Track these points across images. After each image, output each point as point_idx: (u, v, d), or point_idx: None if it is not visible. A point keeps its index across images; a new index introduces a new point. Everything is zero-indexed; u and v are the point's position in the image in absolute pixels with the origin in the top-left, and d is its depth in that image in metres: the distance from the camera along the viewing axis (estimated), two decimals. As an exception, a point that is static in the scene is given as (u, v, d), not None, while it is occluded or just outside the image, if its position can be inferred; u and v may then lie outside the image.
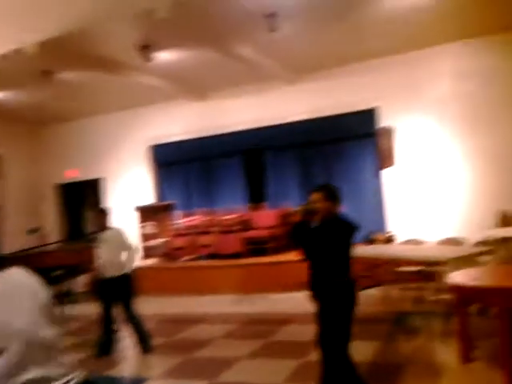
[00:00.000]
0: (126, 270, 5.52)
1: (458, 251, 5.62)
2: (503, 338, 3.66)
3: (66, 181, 12.16)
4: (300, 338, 5.57)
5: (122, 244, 5.61)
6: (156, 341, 6.11)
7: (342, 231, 3.50)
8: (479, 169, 8.50)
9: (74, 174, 11.97)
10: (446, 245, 6.36)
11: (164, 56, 7.74)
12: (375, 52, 8.66)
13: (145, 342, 5.53)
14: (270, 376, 4.56)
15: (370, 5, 6.59)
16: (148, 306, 8.06)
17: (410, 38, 8.11)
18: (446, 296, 4.94)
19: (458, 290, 4.05)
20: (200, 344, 5.71)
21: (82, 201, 13.20)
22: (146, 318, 7.32)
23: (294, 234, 3.53)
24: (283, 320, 6.42)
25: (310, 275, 3.55)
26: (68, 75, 8.31)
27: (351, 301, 3.48)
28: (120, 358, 5.69)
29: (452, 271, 4.92)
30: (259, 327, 6.37)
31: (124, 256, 5.56)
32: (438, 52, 8.61)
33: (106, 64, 7.96)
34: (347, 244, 3.52)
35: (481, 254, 5.45)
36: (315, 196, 3.52)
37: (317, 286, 3.52)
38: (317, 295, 3.53)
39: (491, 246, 5.81)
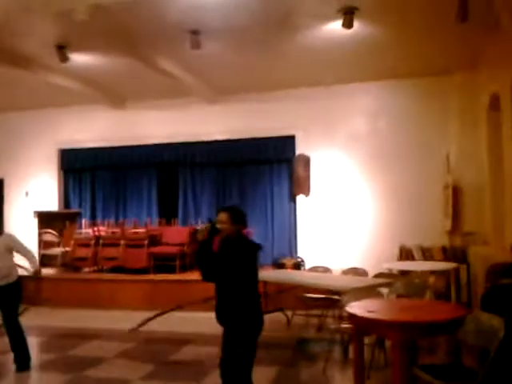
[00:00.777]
0: (13, 278, 5.11)
1: (359, 282, 5.78)
2: (396, 370, 3.74)
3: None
4: (198, 359, 5.42)
5: (10, 250, 5.20)
6: (44, 356, 5.76)
7: (245, 250, 3.41)
8: (383, 204, 8.90)
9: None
10: (350, 274, 6.51)
11: (82, 58, 7.40)
12: (296, 81, 8.85)
13: (22, 359, 5.10)
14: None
15: (295, 35, 6.70)
16: (42, 318, 7.63)
17: (332, 73, 8.38)
18: (346, 325, 5.03)
19: (355, 320, 4.11)
20: (91, 362, 5.38)
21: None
22: (38, 331, 6.95)
23: (198, 253, 3.42)
24: (183, 340, 6.24)
25: (216, 298, 3.45)
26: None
27: (256, 326, 3.41)
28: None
29: (352, 301, 5.05)
30: (157, 346, 6.13)
31: (21, 262, 5.15)
32: (354, 89, 8.98)
33: (20, 59, 7.48)
34: (252, 264, 3.44)
35: (380, 285, 5.61)
36: (222, 216, 3.43)
37: (221, 310, 3.42)
38: (221, 319, 3.43)
39: (390, 279, 6.03)
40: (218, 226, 3.38)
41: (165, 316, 6.74)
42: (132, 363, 5.44)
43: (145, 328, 6.88)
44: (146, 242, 8.66)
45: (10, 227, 10.80)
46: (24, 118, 10.68)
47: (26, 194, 10.80)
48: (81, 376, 4.98)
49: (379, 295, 5.25)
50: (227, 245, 3.40)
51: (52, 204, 10.63)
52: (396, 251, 8.38)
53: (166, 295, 7.95)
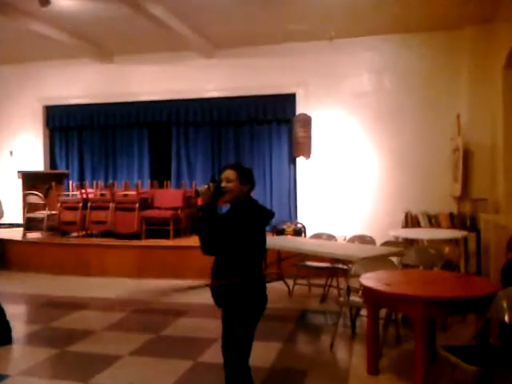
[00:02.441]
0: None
1: (369, 250, 5.35)
2: (419, 349, 3.34)
3: None
4: (194, 334, 5.01)
5: None
6: (26, 328, 5.31)
7: (257, 217, 2.89)
8: (388, 167, 8.44)
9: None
10: (356, 242, 6.08)
11: (65, 3, 6.73)
12: (298, 35, 8.22)
13: (3, 332, 4.64)
14: (155, 379, 3.95)
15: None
16: (25, 286, 7.18)
17: (335, 26, 7.72)
18: (357, 298, 4.62)
19: (370, 293, 3.69)
20: (78, 335, 4.93)
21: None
22: (21, 299, 6.52)
23: (200, 220, 2.83)
24: (178, 311, 5.81)
25: (214, 270, 2.93)
26: None
27: (261, 302, 2.94)
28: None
29: (362, 271, 4.62)
30: (149, 318, 5.69)
31: None
32: (358, 43, 8.38)
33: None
34: (262, 233, 2.94)
35: (392, 254, 5.19)
36: (229, 173, 2.89)
37: (220, 289, 2.88)
38: (219, 299, 2.92)
39: (398, 247, 5.61)
40: (224, 185, 2.84)
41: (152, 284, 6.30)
42: (122, 336, 4.99)
43: (134, 296, 6.48)
44: (136, 205, 8.13)
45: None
46: (6, 71, 9.98)
47: (11, 153, 10.22)
48: (67, 351, 4.53)
49: (390, 265, 4.81)
50: (235, 210, 2.85)
51: (37, 164, 10.06)
52: (401, 217, 7.97)
53: (158, 262, 7.52)
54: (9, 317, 4.76)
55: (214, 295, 2.92)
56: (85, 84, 9.73)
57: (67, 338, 4.86)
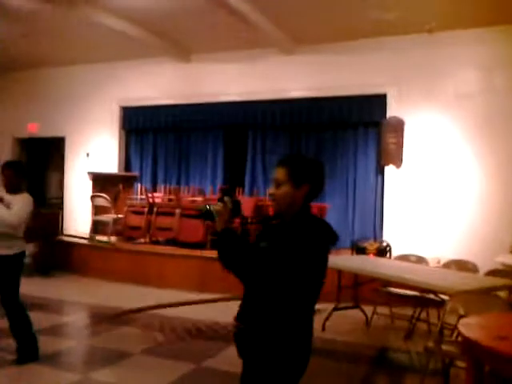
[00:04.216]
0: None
1: (469, 281, 4.21)
2: None
3: (29, 136, 10.64)
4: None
5: None
6: (61, 344, 4.69)
7: (323, 240, 2.00)
8: (496, 181, 7.08)
9: (34, 129, 10.47)
10: (453, 269, 4.93)
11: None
12: (390, 27, 7.17)
13: (25, 349, 4.04)
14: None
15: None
16: (80, 293, 6.73)
17: (436, 16, 6.62)
18: (449, 346, 3.52)
19: (476, 349, 2.61)
20: (111, 357, 4.26)
21: (46, 160, 11.83)
22: (68, 309, 6.04)
23: (223, 250, 1.98)
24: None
25: (243, 310, 2.07)
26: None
27: (303, 363, 2.00)
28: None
29: (460, 308, 3.54)
30: (195, 343, 4.89)
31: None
32: (463, 36, 7.17)
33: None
34: (325, 263, 2.05)
35: (500, 288, 4.02)
36: (278, 171, 2.03)
37: (249, 330, 2.01)
38: (248, 346, 2.03)
39: (510, 279, 4.40)
40: (272, 192, 2.04)
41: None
42: (158, 364, 4.23)
43: (185, 314, 5.72)
44: (203, 212, 7.44)
45: (69, 189, 10.16)
46: (85, 72, 9.81)
47: (87, 155, 10.01)
48: (88, 378, 3.85)
49: (500, 304, 3.66)
50: (287, 228, 1.96)
51: (112, 166, 9.76)
52: (509, 241, 6.62)
53: (222, 275, 6.73)
54: (50, 328, 4.37)
55: (239, 340, 2.05)
56: (161, 85, 9.31)
57: (97, 361, 4.20)
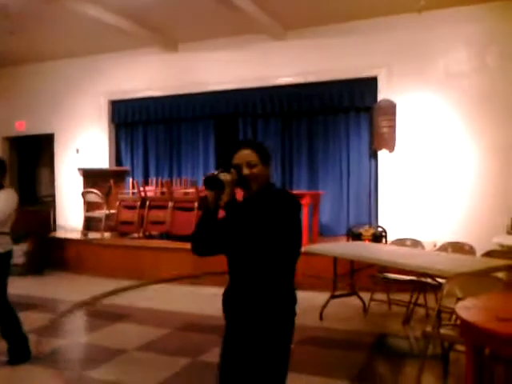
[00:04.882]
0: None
1: (466, 263, 4.13)
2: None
3: (17, 134, 10.49)
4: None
5: None
6: (54, 343, 4.59)
7: (295, 206, 2.18)
8: (491, 162, 6.99)
9: (21, 127, 10.32)
10: (449, 251, 4.85)
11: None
12: (380, 8, 7.07)
13: (16, 350, 3.95)
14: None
15: None
16: (73, 291, 6.63)
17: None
18: (447, 329, 3.45)
19: (475, 332, 2.54)
20: (105, 355, 4.18)
21: (37, 158, 11.71)
22: (61, 307, 5.93)
23: (227, 219, 2.08)
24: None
25: (234, 282, 2.21)
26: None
27: (287, 329, 2.17)
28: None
29: (458, 290, 3.47)
30: (190, 338, 4.79)
31: None
32: (454, 14, 7.01)
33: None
34: (298, 230, 2.20)
35: (500, 268, 3.95)
36: (249, 155, 2.17)
37: (237, 299, 2.18)
38: (241, 312, 2.16)
39: (507, 259, 4.32)
40: (249, 172, 2.16)
41: (206, 293, 5.44)
42: (154, 360, 4.17)
43: (182, 308, 5.64)
44: (195, 204, 7.35)
45: (60, 186, 10.02)
46: (71, 66, 9.63)
47: (77, 151, 9.86)
48: (83, 376, 3.78)
49: (499, 285, 3.58)
50: (266, 200, 2.13)
51: (103, 162, 9.63)
52: (506, 222, 6.56)
53: (217, 268, 6.65)
54: (44, 327, 4.31)
55: (235, 305, 2.18)
56: (149, 76, 9.15)
57: (92, 358, 4.13)
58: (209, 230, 2.12)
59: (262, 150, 2.21)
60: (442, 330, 3.42)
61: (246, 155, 2.16)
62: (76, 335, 5.02)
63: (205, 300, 5.67)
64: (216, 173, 2.09)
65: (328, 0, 6.87)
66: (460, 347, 3.46)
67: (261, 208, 2.09)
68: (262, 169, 2.17)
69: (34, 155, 11.67)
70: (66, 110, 9.76)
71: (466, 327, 2.57)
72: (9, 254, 4.00)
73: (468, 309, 2.68)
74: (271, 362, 2.11)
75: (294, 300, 2.18)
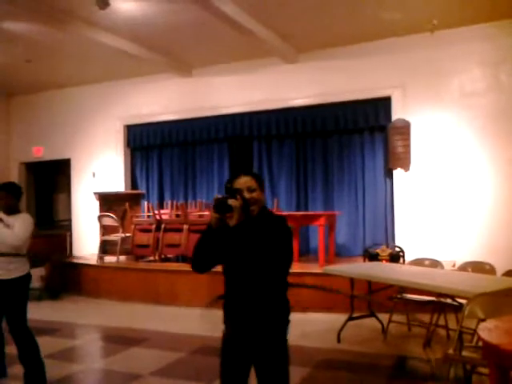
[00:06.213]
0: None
1: (487, 283, 4.04)
2: None
3: (34, 159, 10.66)
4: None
5: None
6: (67, 369, 4.52)
7: (283, 231, 2.43)
8: (510, 180, 6.89)
9: (39, 153, 10.48)
10: (469, 271, 4.75)
11: (127, 6, 6.20)
12: (392, 28, 7.11)
13: (31, 376, 3.90)
14: None
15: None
16: (89, 315, 6.63)
17: (439, 14, 6.50)
18: (470, 352, 3.35)
19: (498, 354, 2.45)
20: (121, 381, 4.14)
21: (53, 183, 11.86)
22: (77, 331, 5.92)
23: (236, 241, 2.32)
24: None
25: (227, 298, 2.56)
26: (16, 26, 6.79)
27: (285, 336, 2.46)
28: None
29: (479, 311, 3.38)
30: (205, 362, 4.70)
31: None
32: (467, 33, 7.05)
33: (59, 14, 6.42)
34: (290, 252, 2.48)
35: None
36: (249, 181, 2.44)
37: (249, 311, 2.44)
38: (249, 323, 2.45)
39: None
40: (250, 197, 2.41)
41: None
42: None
43: (198, 332, 5.58)
44: (210, 226, 7.32)
45: (76, 210, 10.11)
46: (86, 92, 9.82)
47: (93, 175, 9.97)
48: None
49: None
50: (266, 221, 2.42)
51: (119, 185, 9.70)
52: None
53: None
54: (59, 353, 4.35)
55: (242, 317, 2.46)
56: (164, 100, 9.27)
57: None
58: (210, 248, 2.34)
59: (258, 177, 2.51)
60: (464, 352, 3.32)
61: (246, 181, 2.41)
62: (91, 360, 4.99)
63: (219, 322, 5.59)
64: (223, 197, 2.29)
65: (340, 22, 6.93)
66: (483, 370, 3.36)
67: (266, 229, 2.35)
68: (260, 194, 2.44)
69: (51, 180, 11.83)
70: (82, 135, 9.91)
71: (488, 349, 2.48)
72: (27, 277, 4.00)
73: (490, 330, 2.59)
74: (278, 362, 2.41)
75: (288, 309, 2.45)
